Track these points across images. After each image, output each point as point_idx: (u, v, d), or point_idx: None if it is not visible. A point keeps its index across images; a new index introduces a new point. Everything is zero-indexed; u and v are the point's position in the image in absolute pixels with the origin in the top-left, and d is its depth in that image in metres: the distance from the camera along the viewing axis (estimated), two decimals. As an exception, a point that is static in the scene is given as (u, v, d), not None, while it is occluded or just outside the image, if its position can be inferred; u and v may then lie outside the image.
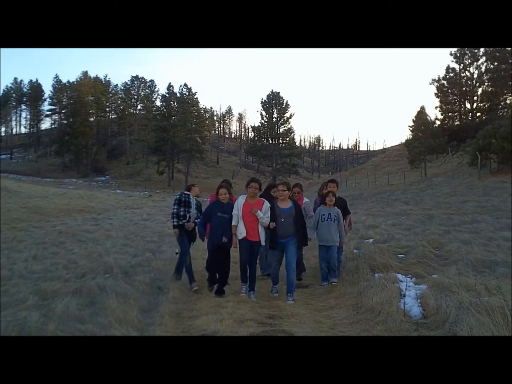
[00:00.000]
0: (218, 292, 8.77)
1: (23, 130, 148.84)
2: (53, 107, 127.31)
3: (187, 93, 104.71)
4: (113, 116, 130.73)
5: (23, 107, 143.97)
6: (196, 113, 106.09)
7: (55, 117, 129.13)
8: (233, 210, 8.86)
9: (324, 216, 9.74)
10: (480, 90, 57.46)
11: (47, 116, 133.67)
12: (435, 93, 59.25)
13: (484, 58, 56.22)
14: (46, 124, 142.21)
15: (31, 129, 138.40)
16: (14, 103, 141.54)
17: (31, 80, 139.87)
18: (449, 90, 58.97)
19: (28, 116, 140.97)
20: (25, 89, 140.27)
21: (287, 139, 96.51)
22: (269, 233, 8.76)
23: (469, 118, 57.78)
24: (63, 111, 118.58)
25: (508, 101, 55.22)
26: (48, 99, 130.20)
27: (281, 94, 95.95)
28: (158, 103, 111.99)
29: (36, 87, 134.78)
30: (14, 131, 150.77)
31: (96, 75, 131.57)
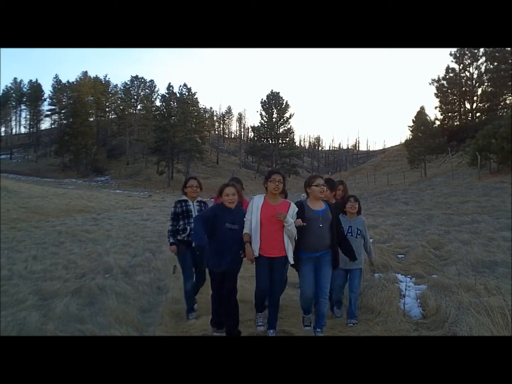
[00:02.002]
0: (230, 333, 6.22)
1: (22, 130, 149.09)
2: (52, 107, 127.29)
3: (186, 93, 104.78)
4: (112, 116, 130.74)
5: (23, 107, 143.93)
6: (195, 113, 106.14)
7: (55, 117, 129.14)
8: (247, 214, 6.41)
9: (344, 229, 6.97)
10: (479, 90, 57.68)
11: (46, 116, 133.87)
12: (435, 93, 59.45)
13: (483, 58, 56.39)
14: (46, 124, 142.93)
15: (31, 129, 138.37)
16: (14, 103, 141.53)
17: (30, 80, 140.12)
18: (449, 90, 59.15)
19: (28, 116, 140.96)
20: (25, 89, 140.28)
21: (287, 139, 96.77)
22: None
23: (468, 118, 57.92)
24: (62, 111, 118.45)
25: (507, 101, 55.37)
26: (48, 99, 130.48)
27: (280, 94, 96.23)
28: (157, 103, 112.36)
29: (36, 87, 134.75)
30: (14, 131, 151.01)
31: (96, 75, 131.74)
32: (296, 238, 6.36)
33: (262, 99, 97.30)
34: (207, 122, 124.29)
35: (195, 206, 7.68)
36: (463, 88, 58.35)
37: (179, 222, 7.60)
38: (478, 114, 57.67)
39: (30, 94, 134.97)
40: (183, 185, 7.90)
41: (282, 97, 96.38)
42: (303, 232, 6.29)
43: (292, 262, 6.30)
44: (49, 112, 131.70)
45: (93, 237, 19.01)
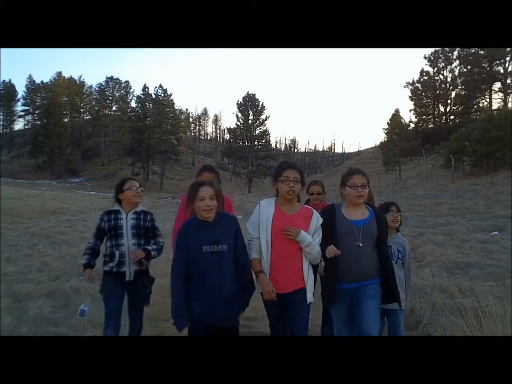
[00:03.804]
0: None
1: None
2: (26, 107, 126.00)
3: (162, 95, 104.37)
4: (87, 117, 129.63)
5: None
6: (171, 115, 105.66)
7: (29, 117, 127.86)
8: (249, 229, 4.50)
9: None
10: (453, 94, 58.47)
11: (20, 116, 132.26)
12: (409, 96, 60.10)
13: (457, 61, 57.10)
14: (19, 125, 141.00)
15: (4, 130, 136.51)
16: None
17: (4, 80, 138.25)
18: (423, 93, 59.81)
19: (1, 117, 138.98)
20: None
21: (263, 141, 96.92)
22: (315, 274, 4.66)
23: (442, 121, 58.65)
24: (36, 112, 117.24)
25: (480, 105, 56.19)
26: (21, 100, 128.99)
27: (256, 96, 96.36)
28: (133, 104, 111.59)
29: (9, 88, 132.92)
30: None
31: (70, 76, 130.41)
32: (323, 264, 4.56)
33: (238, 101, 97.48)
34: (182, 123, 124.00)
35: (128, 220, 5.38)
36: (437, 91, 59.12)
37: (106, 243, 5.39)
38: (452, 117, 58.44)
39: (3, 95, 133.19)
40: (117, 187, 5.56)
41: (258, 99, 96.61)
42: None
43: (311, 300, 4.37)
44: (22, 113, 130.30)
45: (67, 239, 18.85)
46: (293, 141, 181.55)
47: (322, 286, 4.64)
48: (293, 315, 4.32)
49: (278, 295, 4.22)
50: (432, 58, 59.21)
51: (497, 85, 54.88)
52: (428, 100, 60.08)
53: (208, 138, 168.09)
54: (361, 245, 4.35)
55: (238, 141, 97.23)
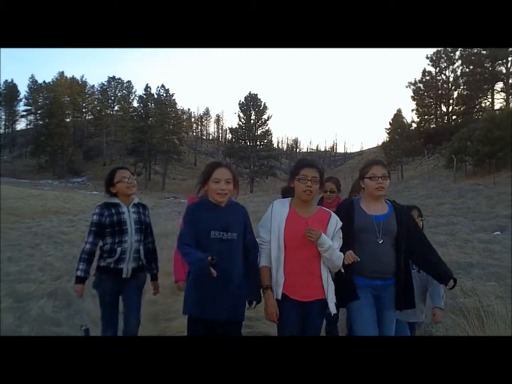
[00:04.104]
0: None
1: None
2: (28, 107, 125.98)
3: (164, 94, 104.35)
4: (89, 117, 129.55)
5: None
6: (173, 115, 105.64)
7: (31, 117, 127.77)
8: (260, 231, 4.07)
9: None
10: (455, 94, 58.36)
11: (22, 116, 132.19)
12: (412, 96, 59.98)
13: (459, 61, 57.00)
14: (21, 124, 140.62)
15: (6, 130, 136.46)
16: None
17: (6, 80, 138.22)
18: (425, 93, 59.73)
19: (3, 117, 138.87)
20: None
21: (265, 141, 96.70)
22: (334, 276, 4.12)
23: (445, 121, 58.54)
24: (38, 112, 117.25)
25: (483, 105, 56.12)
26: (23, 100, 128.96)
27: (258, 96, 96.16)
28: (135, 104, 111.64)
29: (11, 87, 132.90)
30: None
31: (73, 76, 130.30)
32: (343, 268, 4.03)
33: (240, 101, 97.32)
34: (185, 123, 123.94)
35: (131, 214, 4.97)
36: (439, 91, 59.02)
37: (106, 239, 4.89)
38: (454, 117, 58.33)
39: (6, 95, 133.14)
40: (107, 181, 5.04)
41: (260, 99, 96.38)
42: (353, 250, 4.00)
43: (334, 311, 3.99)
44: (24, 113, 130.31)
45: (69, 238, 18.88)
46: (295, 141, 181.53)
47: (338, 285, 4.08)
48: (306, 330, 4.01)
49: (295, 302, 3.93)
50: (434, 58, 59.16)
51: (499, 85, 54.98)
52: (430, 100, 59.99)
53: (210, 138, 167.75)
54: (381, 241, 4.06)
55: (240, 141, 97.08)
